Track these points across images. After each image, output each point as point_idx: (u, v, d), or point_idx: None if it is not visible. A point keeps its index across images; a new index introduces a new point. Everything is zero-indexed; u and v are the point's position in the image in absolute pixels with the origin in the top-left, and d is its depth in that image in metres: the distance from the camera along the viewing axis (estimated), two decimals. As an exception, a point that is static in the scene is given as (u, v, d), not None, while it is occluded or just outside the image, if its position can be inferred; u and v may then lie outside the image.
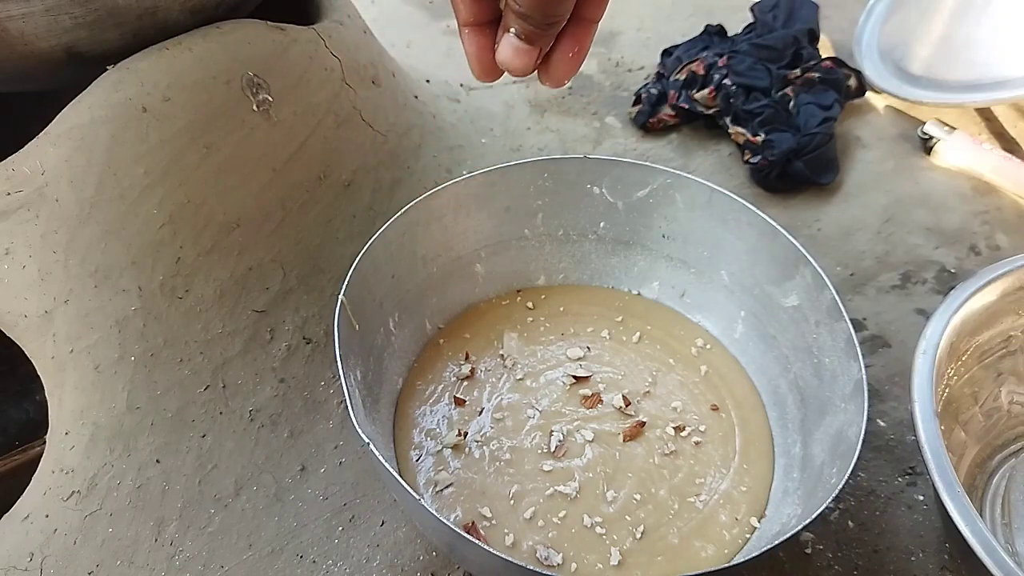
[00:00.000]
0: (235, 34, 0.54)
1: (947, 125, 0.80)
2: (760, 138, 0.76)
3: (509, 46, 0.30)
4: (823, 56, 0.85)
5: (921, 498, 0.53)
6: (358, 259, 0.49)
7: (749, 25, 0.90)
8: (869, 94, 0.86)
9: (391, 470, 0.39)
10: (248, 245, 0.56)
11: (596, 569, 0.46)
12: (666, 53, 0.90)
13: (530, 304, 0.62)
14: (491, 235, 0.60)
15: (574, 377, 0.56)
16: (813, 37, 0.87)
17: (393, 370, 0.55)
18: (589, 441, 0.52)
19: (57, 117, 0.49)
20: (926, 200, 0.76)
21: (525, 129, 0.84)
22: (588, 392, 0.55)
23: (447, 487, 0.50)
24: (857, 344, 0.46)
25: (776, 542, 0.38)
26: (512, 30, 0.30)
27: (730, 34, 0.91)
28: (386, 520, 0.51)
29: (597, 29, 0.31)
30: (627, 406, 0.54)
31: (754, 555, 0.38)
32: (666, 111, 0.83)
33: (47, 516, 0.49)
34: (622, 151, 0.82)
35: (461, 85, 0.88)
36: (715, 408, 0.55)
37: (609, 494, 0.49)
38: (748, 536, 0.48)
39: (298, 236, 0.59)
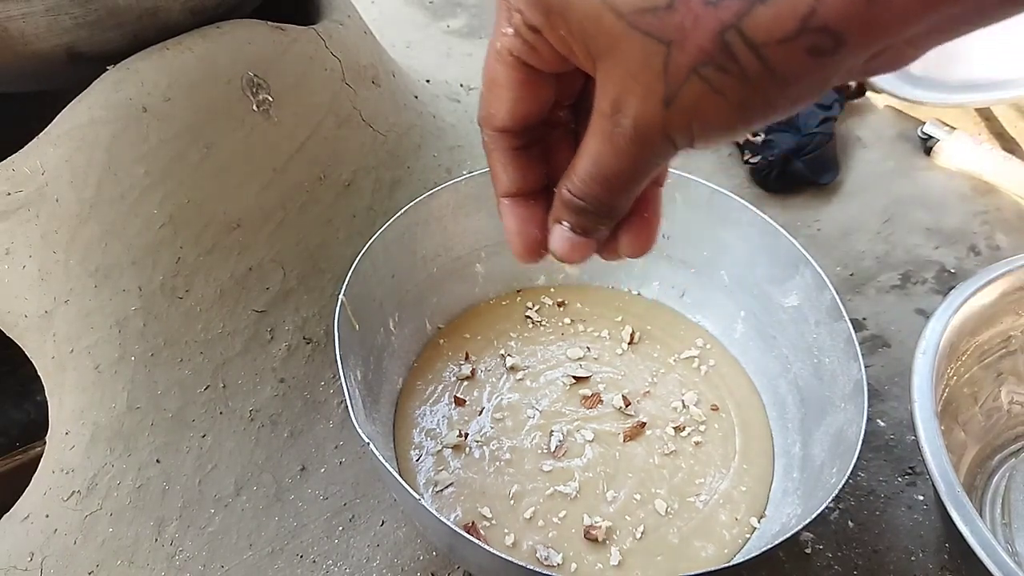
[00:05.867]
0: (235, 34, 0.54)
1: (947, 125, 0.80)
2: (760, 138, 0.76)
3: (563, 239, 0.25)
4: (823, 56, 0.85)
5: (921, 498, 0.53)
6: (358, 259, 0.49)
7: (749, 25, 0.90)
8: (869, 94, 0.86)
9: (391, 470, 0.39)
10: (248, 245, 0.56)
11: (596, 569, 0.46)
12: (666, 53, 0.90)
13: (530, 304, 0.62)
14: (491, 235, 0.60)
15: (574, 377, 0.56)
16: (813, 37, 0.87)
17: (393, 370, 0.55)
18: (589, 441, 0.52)
19: (57, 117, 0.49)
20: (926, 200, 0.76)
21: (525, 129, 0.84)
22: (588, 392, 0.55)
23: (447, 487, 0.50)
24: (857, 344, 0.46)
25: (776, 542, 0.38)
26: (565, 223, 0.25)
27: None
28: (386, 520, 0.51)
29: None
30: (627, 406, 0.54)
31: (754, 555, 0.38)
32: (666, 111, 0.83)
33: (47, 516, 0.49)
34: (622, 151, 0.82)
35: (461, 85, 0.88)
36: (715, 408, 0.55)
37: (609, 494, 0.49)
38: (748, 536, 0.48)
39: (298, 236, 0.58)
